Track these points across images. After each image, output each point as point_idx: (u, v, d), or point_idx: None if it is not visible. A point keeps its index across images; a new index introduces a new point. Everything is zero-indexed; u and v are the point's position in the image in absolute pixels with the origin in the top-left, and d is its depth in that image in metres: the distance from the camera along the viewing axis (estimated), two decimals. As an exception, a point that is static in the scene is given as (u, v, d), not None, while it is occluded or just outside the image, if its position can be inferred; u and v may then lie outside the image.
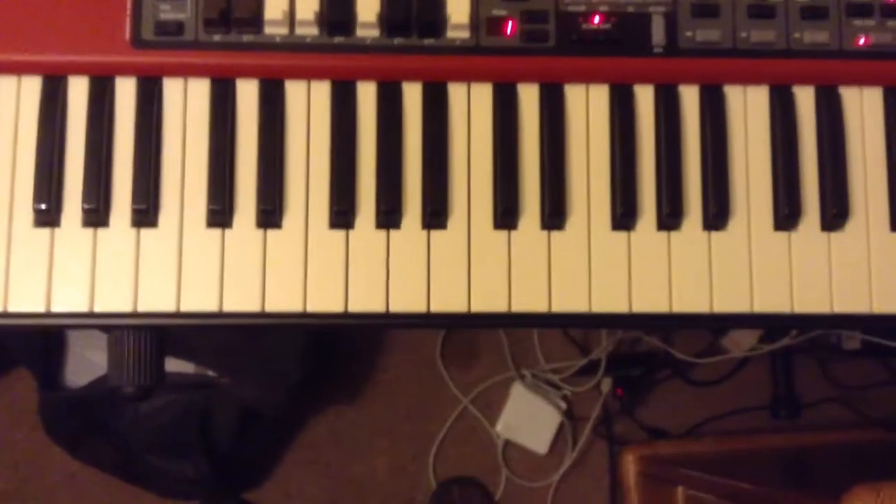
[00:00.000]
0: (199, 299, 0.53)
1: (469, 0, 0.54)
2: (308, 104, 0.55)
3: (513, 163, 0.55)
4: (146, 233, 0.53)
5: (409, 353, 1.46)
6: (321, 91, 0.55)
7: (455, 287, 0.54)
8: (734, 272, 0.55)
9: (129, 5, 0.53)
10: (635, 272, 0.55)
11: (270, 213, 0.53)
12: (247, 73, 0.55)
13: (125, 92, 0.54)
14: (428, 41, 0.55)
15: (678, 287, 0.54)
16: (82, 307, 0.53)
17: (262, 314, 0.53)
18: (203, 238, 0.53)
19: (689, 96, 0.57)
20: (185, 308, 0.53)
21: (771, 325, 0.56)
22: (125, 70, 0.54)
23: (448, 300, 0.54)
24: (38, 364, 1.25)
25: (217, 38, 0.54)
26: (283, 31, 0.54)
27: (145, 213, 0.53)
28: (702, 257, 0.55)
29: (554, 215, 0.55)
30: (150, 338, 0.57)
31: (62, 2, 0.53)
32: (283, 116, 0.55)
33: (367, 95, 0.55)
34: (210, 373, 1.22)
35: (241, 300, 0.53)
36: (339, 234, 0.54)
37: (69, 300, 0.53)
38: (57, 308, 0.53)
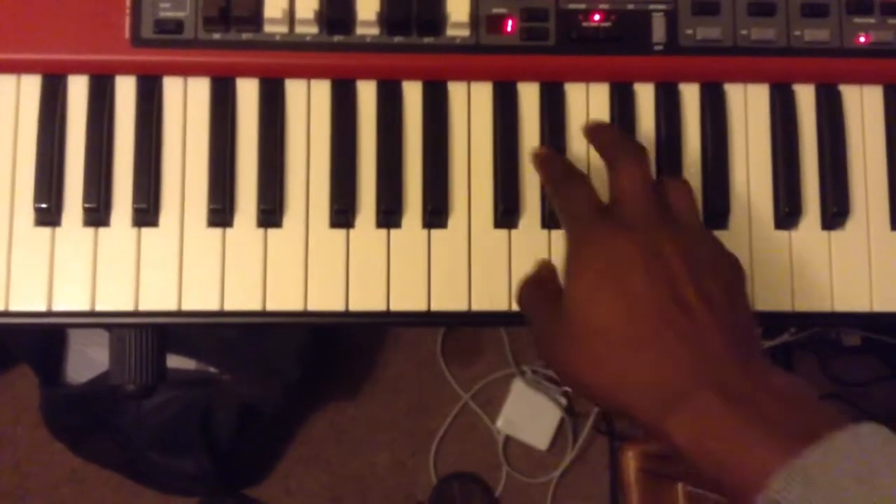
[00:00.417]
0: (201, 298, 0.53)
1: (469, -2, 0.54)
2: (308, 103, 0.55)
3: (513, 161, 0.55)
4: (147, 232, 0.53)
5: (410, 349, 1.46)
6: (321, 90, 0.55)
7: (456, 285, 0.54)
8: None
9: (128, 4, 0.53)
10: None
11: (271, 213, 0.53)
12: (246, 71, 0.55)
13: (125, 91, 0.54)
14: (428, 40, 0.55)
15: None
16: (83, 306, 0.53)
17: (263, 313, 0.53)
18: (204, 237, 0.53)
19: (690, 94, 0.57)
20: (186, 307, 0.53)
21: (771, 322, 0.56)
22: (125, 69, 0.54)
23: (449, 299, 0.54)
24: (39, 361, 1.25)
25: (217, 36, 0.54)
26: (283, 29, 0.54)
27: (146, 213, 0.53)
28: (702, 256, 0.55)
29: (554, 214, 0.55)
30: (151, 336, 0.57)
31: (61, 0, 0.53)
32: (283, 115, 0.55)
33: (367, 94, 0.55)
34: (211, 369, 1.22)
35: (242, 299, 0.53)
36: (340, 234, 0.54)
37: (70, 299, 0.53)
38: (58, 307, 0.53)
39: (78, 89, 0.54)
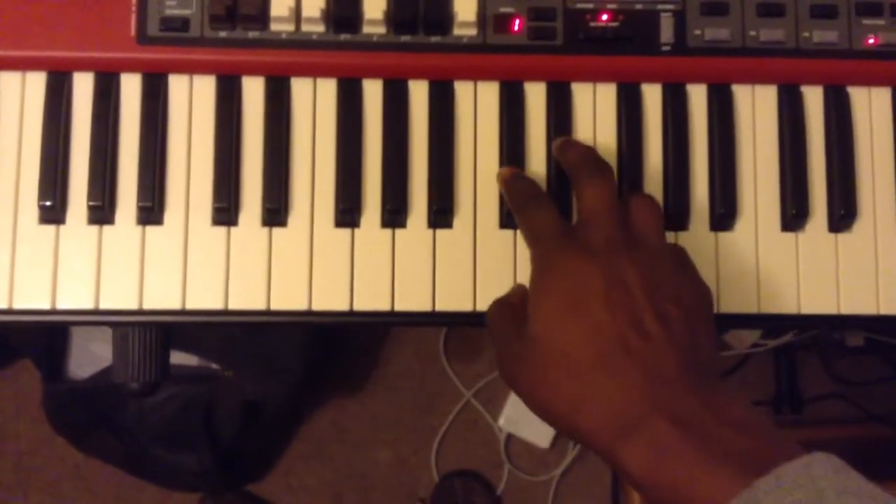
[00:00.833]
0: (205, 297, 0.53)
1: (476, -3, 0.54)
2: (314, 102, 0.55)
3: (520, 162, 0.55)
4: (151, 230, 0.53)
5: (413, 347, 1.46)
6: (327, 88, 0.55)
7: (460, 285, 0.54)
8: (740, 273, 0.55)
9: (134, 1, 0.53)
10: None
11: (276, 212, 0.53)
12: (252, 70, 0.54)
13: (130, 88, 0.54)
14: (435, 39, 0.54)
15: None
16: (87, 304, 0.52)
17: (268, 312, 0.53)
18: (208, 236, 0.53)
19: (697, 95, 0.56)
20: (190, 306, 0.53)
21: (777, 325, 0.56)
22: (130, 66, 0.54)
23: (453, 298, 0.54)
24: (41, 356, 1.25)
25: (223, 34, 0.54)
26: (289, 27, 0.54)
27: (150, 211, 0.53)
28: (709, 258, 0.55)
29: (562, 214, 0.54)
30: (155, 335, 0.57)
31: (67, -3, 0.53)
32: (289, 114, 0.55)
33: (373, 93, 0.55)
34: (214, 366, 1.22)
35: (247, 298, 0.53)
36: (345, 233, 0.54)
37: (74, 297, 0.52)
38: (62, 305, 0.52)
39: (83, 87, 0.54)
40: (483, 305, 0.54)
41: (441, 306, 0.54)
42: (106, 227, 0.53)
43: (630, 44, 0.55)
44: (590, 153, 0.53)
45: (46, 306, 0.52)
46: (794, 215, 0.55)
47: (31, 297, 0.52)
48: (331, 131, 0.55)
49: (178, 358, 1.21)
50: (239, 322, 0.54)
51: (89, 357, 1.24)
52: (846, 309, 0.55)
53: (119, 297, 0.53)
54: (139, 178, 0.53)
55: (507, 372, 0.48)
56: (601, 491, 1.44)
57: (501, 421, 1.44)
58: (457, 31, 0.54)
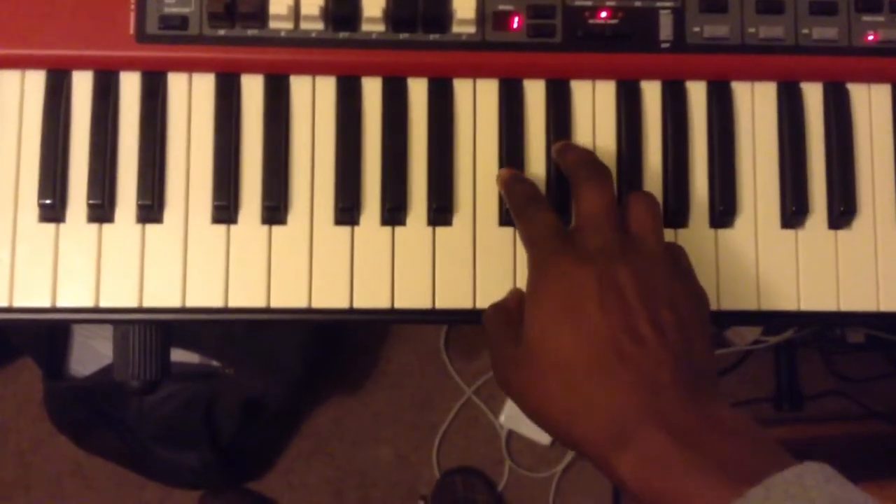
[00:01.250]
0: (205, 295, 0.53)
1: (475, -5, 0.54)
2: (313, 100, 0.55)
3: (519, 159, 0.55)
4: (151, 228, 0.53)
5: (413, 343, 1.46)
6: (326, 86, 0.55)
7: (460, 283, 0.54)
8: (740, 270, 0.55)
9: (133, -1, 0.53)
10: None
11: (275, 210, 0.53)
12: (251, 68, 0.54)
13: (130, 87, 0.54)
14: (433, 36, 0.54)
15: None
16: (87, 302, 0.53)
17: (268, 310, 0.53)
18: (208, 234, 0.53)
19: (697, 92, 0.56)
20: (190, 303, 0.53)
21: (776, 322, 0.56)
22: (129, 65, 0.54)
23: (453, 296, 0.54)
24: (42, 354, 1.25)
25: (222, 32, 0.54)
26: (288, 25, 0.54)
27: (150, 209, 0.53)
28: (709, 255, 0.55)
29: (562, 212, 0.54)
30: (155, 333, 0.57)
31: (66, -4, 0.53)
32: (288, 112, 0.55)
33: (372, 91, 0.55)
34: (214, 363, 1.22)
35: (247, 296, 0.53)
36: (345, 231, 0.54)
37: (74, 295, 0.53)
38: (62, 303, 0.53)
39: (82, 85, 0.54)
40: (482, 303, 0.54)
41: (441, 304, 0.54)
42: (106, 226, 0.53)
43: (629, 41, 0.55)
44: (588, 156, 0.53)
45: (46, 304, 0.52)
46: (793, 212, 0.55)
47: (32, 295, 0.52)
48: (330, 129, 0.55)
49: (178, 356, 1.21)
50: (239, 320, 0.54)
51: (90, 355, 1.24)
52: (846, 306, 0.55)
53: (119, 295, 0.53)
54: (139, 176, 0.53)
55: (501, 376, 0.48)
56: (602, 488, 1.44)
57: (502, 418, 1.44)
58: (456, 29, 0.54)
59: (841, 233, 0.56)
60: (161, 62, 0.54)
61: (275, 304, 0.53)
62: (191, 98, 0.54)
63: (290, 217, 0.54)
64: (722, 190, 0.55)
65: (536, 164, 0.55)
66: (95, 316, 0.53)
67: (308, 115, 0.55)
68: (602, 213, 0.49)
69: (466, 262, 0.54)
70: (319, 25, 0.54)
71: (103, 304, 0.53)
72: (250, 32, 0.54)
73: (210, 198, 0.53)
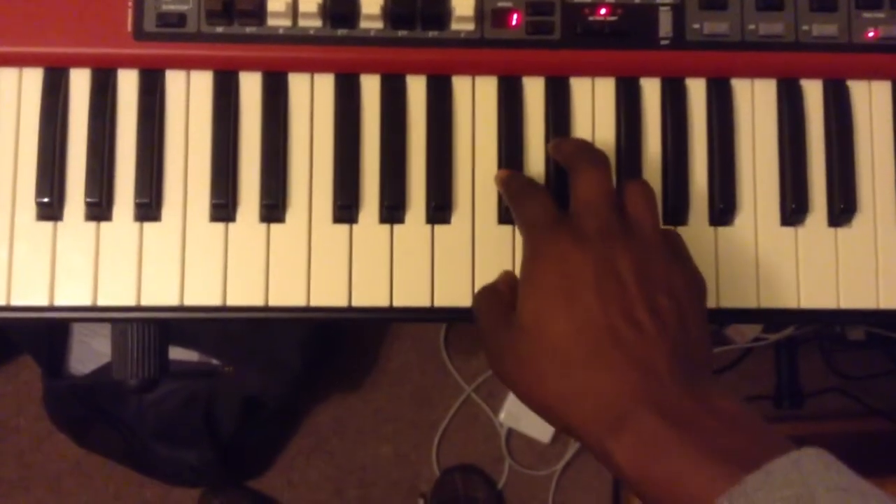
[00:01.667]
0: (203, 293, 0.53)
1: (474, -8, 0.53)
2: (311, 97, 0.55)
3: (518, 156, 0.55)
4: (149, 227, 0.53)
5: (413, 341, 1.46)
6: (324, 84, 0.55)
7: (459, 281, 0.54)
8: (740, 268, 0.55)
9: (130, -3, 0.53)
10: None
11: (273, 208, 0.53)
12: (250, 65, 0.54)
13: (127, 84, 0.54)
14: (432, 33, 0.54)
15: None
16: (85, 301, 0.52)
17: (266, 308, 0.53)
18: (206, 232, 0.53)
19: (696, 89, 0.56)
20: (188, 302, 0.53)
21: (776, 320, 0.56)
22: (127, 62, 0.54)
23: (452, 294, 0.54)
24: (42, 352, 1.25)
25: (220, 29, 0.53)
26: (287, 23, 0.53)
27: (148, 207, 0.53)
28: (709, 252, 0.55)
29: (561, 207, 0.54)
30: (153, 331, 0.57)
31: (63, -7, 0.53)
32: (287, 110, 0.54)
33: (370, 88, 0.55)
34: (214, 361, 1.22)
35: (245, 294, 0.53)
36: (343, 229, 0.54)
37: (72, 294, 0.52)
38: (60, 302, 0.52)
39: (80, 83, 0.54)
40: (482, 301, 0.54)
41: (440, 302, 0.54)
42: (103, 224, 0.53)
43: (628, 38, 0.55)
44: (584, 144, 0.53)
45: (44, 303, 0.52)
46: (793, 210, 0.55)
47: (29, 293, 0.52)
48: (328, 127, 0.55)
49: (178, 354, 1.21)
50: (237, 318, 0.54)
51: (89, 353, 1.24)
52: (846, 303, 0.55)
53: (117, 293, 0.52)
54: (136, 174, 0.53)
55: (494, 360, 0.47)
56: (602, 485, 1.44)
57: (502, 416, 1.44)
58: (454, 26, 0.54)
59: (841, 230, 0.56)
60: (159, 60, 0.54)
61: (273, 302, 0.53)
62: (189, 96, 0.54)
63: (289, 215, 0.54)
64: (722, 187, 0.55)
65: (536, 161, 0.55)
66: (93, 314, 0.53)
67: (306, 113, 0.55)
68: (599, 197, 0.48)
69: (465, 260, 0.54)
70: (318, 23, 0.54)
71: (101, 302, 0.52)
72: (248, 30, 0.53)
73: (208, 196, 0.53)
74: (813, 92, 0.57)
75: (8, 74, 0.54)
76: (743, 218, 0.55)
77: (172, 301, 0.53)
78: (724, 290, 0.55)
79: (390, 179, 0.54)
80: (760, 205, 0.55)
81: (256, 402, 1.26)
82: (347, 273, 0.54)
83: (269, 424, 1.34)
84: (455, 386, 1.45)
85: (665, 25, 0.55)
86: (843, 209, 0.55)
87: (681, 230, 0.55)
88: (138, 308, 0.53)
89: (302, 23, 0.54)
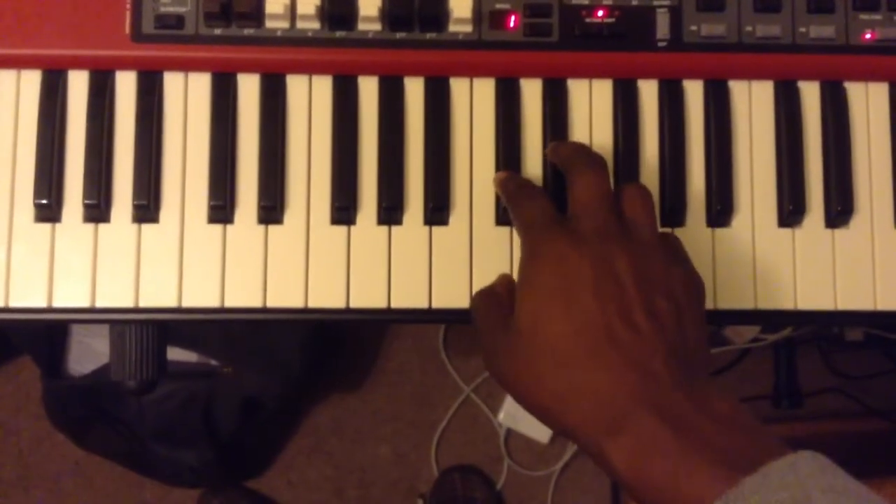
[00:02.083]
0: (201, 295, 0.53)
1: (472, -6, 0.54)
2: (309, 99, 0.55)
3: (515, 158, 0.55)
4: (147, 228, 0.53)
5: (412, 342, 1.46)
6: (322, 86, 0.55)
7: (457, 282, 0.54)
8: (737, 269, 0.55)
9: (129, -1, 0.53)
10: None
11: (271, 209, 0.53)
12: (248, 67, 0.54)
13: (125, 86, 0.54)
14: (430, 35, 0.54)
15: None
16: (84, 302, 0.52)
17: (264, 310, 0.53)
18: (204, 233, 0.53)
19: (694, 91, 0.56)
20: (186, 303, 0.53)
21: (773, 321, 0.56)
22: (125, 64, 0.54)
23: (450, 296, 0.54)
24: (41, 353, 1.25)
25: (218, 31, 0.53)
26: (285, 25, 0.53)
27: (146, 209, 0.53)
28: (706, 254, 0.55)
29: (558, 210, 0.54)
30: (151, 332, 0.57)
31: (62, -5, 0.53)
32: (285, 111, 0.55)
33: (368, 90, 0.55)
34: (213, 362, 1.22)
35: (243, 296, 0.53)
36: (341, 230, 0.54)
37: (70, 295, 0.52)
38: (58, 303, 0.52)
39: (78, 85, 0.54)
40: (479, 302, 0.54)
41: (437, 303, 0.54)
42: (102, 226, 0.53)
43: (626, 40, 0.55)
44: (581, 147, 0.53)
45: (43, 305, 0.52)
46: (790, 211, 0.55)
47: (28, 295, 0.52)
48: (326, 128, 0.55)
49: (177, 354, 1.21)
50: (235, 320, 0.54)
51: (89, 353, 1.24)
52: (843, 305, 0.55)
53: (115, 295, 0.53)
54: (134, 176, 0.53)
55: (491, 362, 0.47)
56: (601, 486, 1.44)
57: (501, 416, 1.44)
58: (452, 28, 0.54)
59: (838, 232, 0.56)
60: (157, 62, 0.54)
61: (271, 303, 0.53)
62: (187, 98, 0.54)
63: (287, 217, 0.54)
64: (719, 189, 0.55)
65: (533, 163, 0.55)
66: (91, 316, 0.53)
67: (304, 115, 0.55)
68: (597, 199, 0.48)
69: (463, 261, 0.54)
70: (316, 25, 0.54)
71: (99, 304, 0.53)
72: (246, 32, 0.54)
73: (206, 198, 0.53)
74: (810, 94, 0.57)
75: (6, 76, 0.54)
76: (740, 219, 0.56)
77: (170, 302, 0.53)
78: (721, 291, 0.55)
79: (388, 181, 0.54)
80: (758, 206, 0.56)
81: (256, 403, 1.26)
82: (345, 274, 0.54)
83: (268, 425, 1.34)
84: (454, 386, 1.45)
85: (662, 27, 0.55)
86: (840, 211, 0.55)
87: (678, 231, 0.55)
88: (136, 310, 0.53)
89: (300, 25, 0.54)
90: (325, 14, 0.54)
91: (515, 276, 0.54)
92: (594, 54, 0.55)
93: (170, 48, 0.53)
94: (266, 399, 1.26)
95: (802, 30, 0.56)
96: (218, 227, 0.53)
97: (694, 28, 0.55)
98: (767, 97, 0.57)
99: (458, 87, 0.56)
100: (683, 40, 0.55)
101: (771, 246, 0.55)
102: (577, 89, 0.56)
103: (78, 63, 0.54)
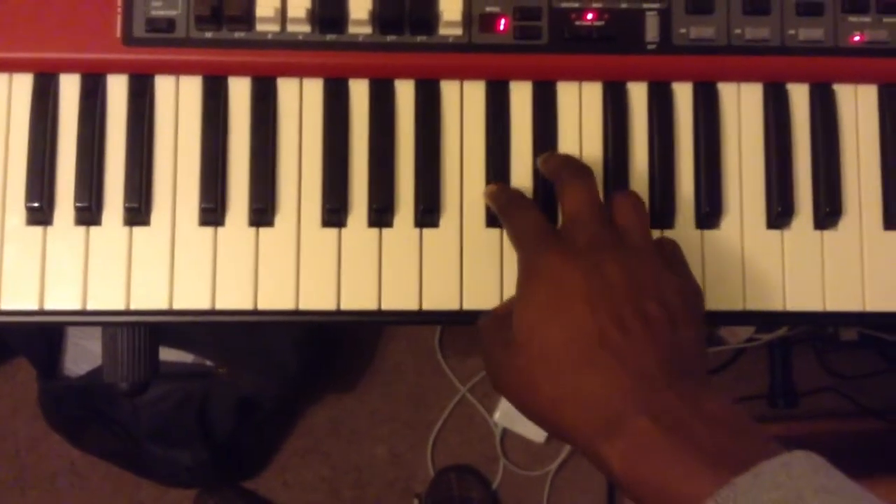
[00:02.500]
0: (192, 297, 0.53)
1: (462, -3, 0.54)
2: (300, 102, 0.55)
3: (505, 161, 0.55)
4: (138, 231, 0.53)
5: (408, 342, 1.46)
6: (313, 89, 0.55)
7: (447, 284, 0.54)
8: (726, 270, 0.55)
9: (120, 3, 0.53)
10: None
11: (262, 212, 0.53)
12: (239, 70, 0.55)
13: (117, 90, 0.54)
14: (420, 38, 0.54)
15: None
16: (75, 305, 0.53)
17: (255, 311, 0.54)
18: (195, 236, 0.53)
19: (683, 94, 0.57)
20: (177, 306, 0.53)
21: (762, 322, 0.56)
22: (117, 68, 0.54)
23: (440, 297, 0.54)
24: (37, 354, 1.25)
25: (209, 35, 0.54)
26: (275, 28, 0.54)
27: (137, 212, 0.53)
28: (695, 256, 0.55)
29: (548, 213, 0.55)
30: (143, 334, 0.57)
31: (53, -1, 0.53)
32: (276, 114, 0.55)
33: (359, 93, 0.55)
34: (208, 363, 1.22)
35: (234, 298, 0.53)
36: (332, 233, 0.54)
37: (62, 298, 0.53)
38: (50, 306, 0.53)
39: (70, 88, 0.54)
40: (469, 304, 0.54)
41: (428, 305, 0.54)
42: (93, 228, 0.53)
43: (615, 43, 0.55)
44: (569, 159, 0.53)
45: (34, 307, 0.53)
46: (779, 213, 0.55)
47: (19, 297, 0.52)
48: (317, 131, 0.55)
49: (172, 355, 1.21)
50: (226, 322, 0.54)
51: (85, 354, 1.24)
52: (832, 306, 0.56)
53: (106, 297, 0.53)
54: (126, 179, 0.53)
55: (494, 377, 0.48)
56: (597, 485, 1.44)
57: (497, 416, 1.44)
58: (442, 31, 0.54)
59: (827, 233, 0.56)
60: (148, 65, 0.54)
61: (262, 305, 0.53)
62: (178, 101, 0.55)
63: (278, 219, 0.54)
64: (708, 191, 0.55)
65: (523, 166, 0.55)
66: (83, 318, 0.53)
67: (295, 118, 0.55)
68: (586, 209, 0.49)
69: (453, 263, 0.54)
70: (306, 28, 0.54)
71: (91, 306, 0.53)
72: (237, 35, 0.54)
73: (197, 200, 0.54)
74: (799, 96, 0.57)
75: (-2, 80, 0.54)
76: (729, 221, 0.56)
77: (162, 305, 0.53)
78: (710, 292, 0.55)
79: (379, 184, 0.54)
80: (747, 208, 0.56)
81: (251, 404, 1.26)
82: (336, 276, 0.54)
83: (264, 425, 1.34)
84: (450, 386, 1.46)
85: (652, 30, 0.55)
86: (828, 212, 0.55)
87: (668, 234, 0.55)
88: (128, 312, 0.53)
89: (290, 28, 0.54)
90: (315, 17, 0.54)
91: (506, 278, 0.54)
92: (584, 57, 0.55)
93: (161, 51, 0.54)
94: (262, 400, 1.27)
95: (791, 32, 0.56)
96: (209, 230, 0.54)
97: (683, 31, 0.55)
98: (756, 99, 0.57)
99: (449, 90, 0.56)
100: (673, 43, 0.55)
101: (760, 247, 0.56)
102: (567, 92, 0.56)
103: (69, 66, 0.54)
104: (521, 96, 0.56)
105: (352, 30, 0.54)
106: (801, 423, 1.41)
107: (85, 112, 0.54)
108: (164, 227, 0.53)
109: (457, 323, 0.54)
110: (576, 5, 0.55)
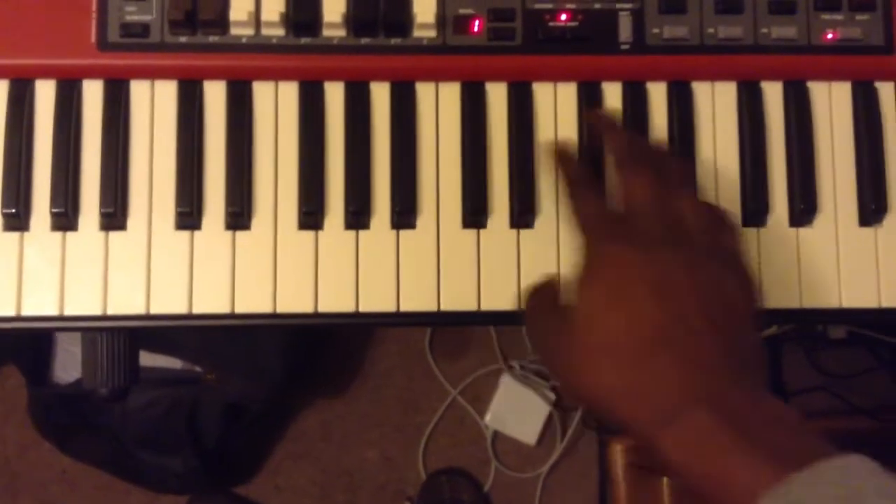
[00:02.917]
0: (169, 301, 0.53)
1: (435, -1, 0.54)
2: (275, 105, 0.55)
3: (481, 162, 0.55)
4: (115, 236, 0.53)
5: (398, 345, 1.46)
6: (289, 92, 0.55)
7: (424, 286, 0.54)
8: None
9: (94, 8, 0.53)
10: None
11: (238, 215, 0.53)
12: (213, 74, 0.55)
13: (92, 95, 0.54)
14: (395, 41, 0.55)
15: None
16: (52, 311, 0.53)
17: (232, 315, 0.54)
18: (172, 240, 0.54)
19: (657, 93, 0.57)
20: (154, 310, 0.53)
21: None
22: (92, 73, 0.54)
23: (417, 299, 0.54)
24: (26, 361, 1.25)
25: (183, 39, 0.54)
26: (249, 31, 0.54)
27: (113, 217, 0.53)
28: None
29: (523, 213, 0.55)
30: (122, 340, 0.57)
31: (27, 5, 0.53)
32: (251, 117, 0.55)
33: (334, 96, 0.55)
34: (196, 369, 1.22)
35: (211, 302, 0.53)
36: (308, 235, 0.54)
37: (39, 304, 0.53)
38: (27, 312, 0.53)
39: (45, 94, 0.54)
40: (447, 305, 0.54)
41: (405, 307, 0.54)
42: (69, 234, 0.53)
43: (589, 43, 0.55)
44: (637, 141, 0.53)
45: (11, 313, 0.53)
46: (754, 210, 0.56)
47: (-4, 304, 0.52)
48: (293, 134, 0.55)
49: (160, 361, 1.21)
50: (204, 325, 0.54)
51: (73, 361, 1.24)
52: (808, 303, 0.56)
53: (83, 303, 0.53)
54: (101, 184, 0.53)
55: (550, 362, 0.49)
56: (588, 487, 1.44)
57: (488, 418, 1.44)
58: (417, 33, 0.55)
59: (802, 230, 0.56)
60: (123, 70, 0.54)
61: (239, 309, 0.53)
62: (153, 105, 0.55)
63: (254, 222, 0.54)
64: (683, 189, 0.55)
65: (498, 166, 0.56)
66: (60, 324, 0.53)
67: (271, 121, 0.55)
68: (653, 201, 0.49)
69: (430, 264, 0.55)
70: (280, 31, 0.54)
71: (68, 312, 0.53)
72: (212, 39, 0.54)
73: (173, 204, 0.54)
74: (773, 94, 0.57)
75: (-27, 86, 0.54)
76: (705, 219, 0.56)
77: (139, 309, 0.53)
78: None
79: (355, 186, 0.55)
80: (721, 205, 0.56)
81: (239, 408, 1.26)
82: (314, 279, 0.54)
83: (252, 430, 1.34)
84: (440, 389, 1.45)
85: (625, 30, 0.55)
86: (803, 209, 0.56)
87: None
88: (105, 317, 0.53)
89: (265, 31, 0.54)
90: (289, 21, 0.54)
91: (483, 280, 0.54)
92: (558, 58, 0.55)
93: (136, 56, 0.54)
94: (250, 404, 1.26)
95: (764, 30, 0.56)
96: (185, 234, 0.54)
97: (656, 30, 0.56)
98: (730, 98, 0.57)
99: (424, 92, 0.56)
100: (646, 43, 0.56)
101: (736, 245, 0.56)
102: (542, 92, 0.56)
103: (45, 72, 0.54)
104: (496, 98, 0.56)
105: (326, 33, 0.54)
106: (792, 422, 1.41)
107: (60, 118, 0.54)
108: (141, 232, 0.54)
109: (434, 324, 0.55)
110: (549, 6, 0.55)
